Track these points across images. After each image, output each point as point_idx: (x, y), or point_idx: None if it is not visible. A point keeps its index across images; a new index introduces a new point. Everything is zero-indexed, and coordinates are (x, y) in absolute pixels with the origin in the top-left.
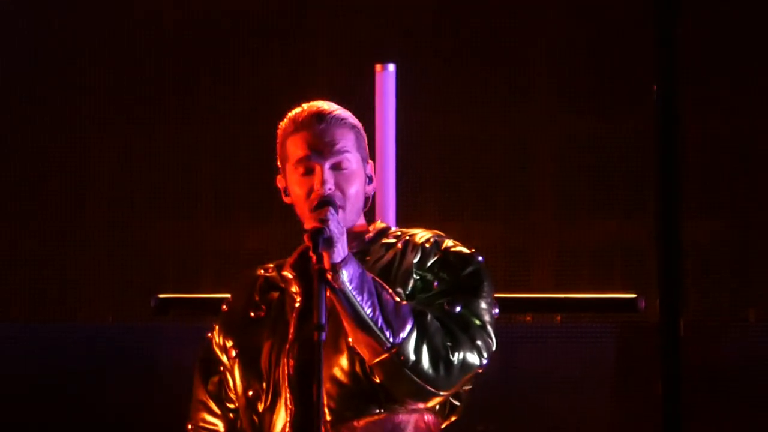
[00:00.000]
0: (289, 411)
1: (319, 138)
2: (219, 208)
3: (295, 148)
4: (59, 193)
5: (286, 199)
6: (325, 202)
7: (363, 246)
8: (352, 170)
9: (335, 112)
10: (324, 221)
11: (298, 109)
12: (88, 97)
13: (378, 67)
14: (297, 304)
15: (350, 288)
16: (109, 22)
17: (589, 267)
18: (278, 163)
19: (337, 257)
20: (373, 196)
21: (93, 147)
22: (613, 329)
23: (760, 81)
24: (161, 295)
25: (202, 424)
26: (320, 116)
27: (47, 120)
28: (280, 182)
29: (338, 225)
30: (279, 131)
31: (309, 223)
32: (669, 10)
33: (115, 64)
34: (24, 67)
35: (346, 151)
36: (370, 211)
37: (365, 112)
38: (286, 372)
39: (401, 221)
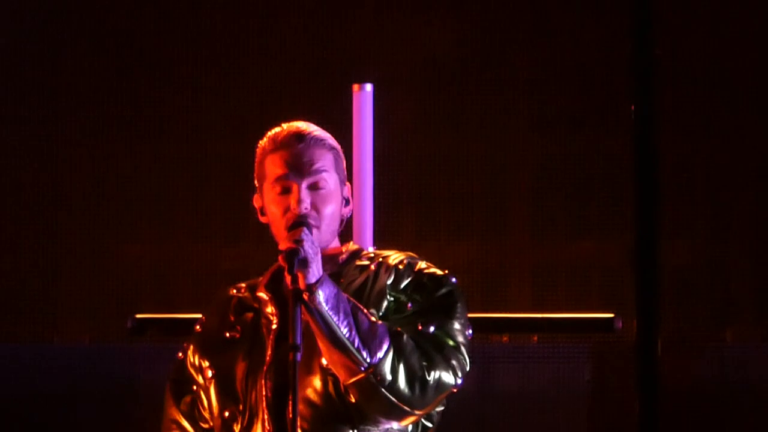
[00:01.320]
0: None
1: (298, 157)
2: (195, 228)
3: (273, 166)
4: (35, 213)
5: (262, 219)
6: (299, 223)
7: (336, 268)
8: (329, 191)
9: (315, 133)
10: (298, 242)
11: (277, 129)
12: (62, 117)
13: (355, 87)
14: (274, 326)
15: (326, 308)
16: (82, 38)
17: (566, 287)
18: (255, 182)
19: (312, 278)
20: (350, 217)
21: (67, 167)
22: (590, 349)
23: (738, 101)
24: (138, 316)
25: None
26: (300, 136)
27: (22, 141)
28: (256, 201)
29: (313, 245)
30: (258, 150)
31: (284, 244)
32: (647, 31)
33: (89, 83)
34: None
35: (324, 171)
36: (346, 230)
37: (342, 132)
38: (263, 393)
39: (378, 240)
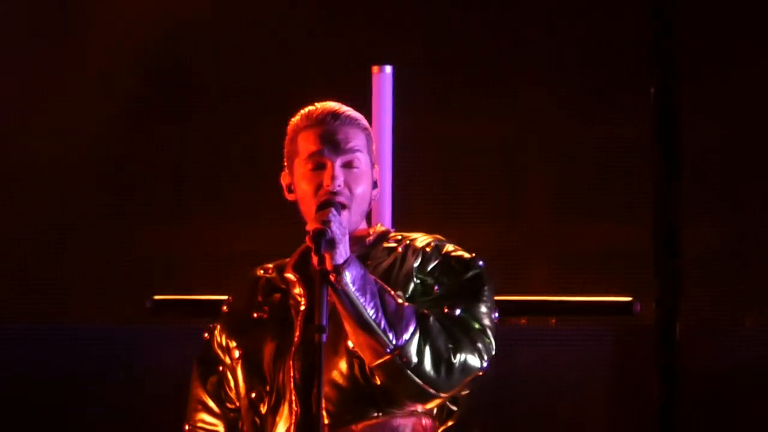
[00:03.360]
0: (294, 413)
1: (333, 135)
2: (212, 209)
3: (306, 143)
4: (52, 193)
5: (290, 197)
6: (327, 203)
7: (364, 250)
8: (362, 171)
9: (349, 112)
10: (326, 222)
11: (311, 107)
12: (79, 97)
13: (375, 68)
14: (302, 308)
15: (353, 289)
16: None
17: (585, 270)
18: (284, 160)
19: (340, 258)
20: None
21: (85, 148)
22: (608, 332)
23: (760, 85)
24: (157, 297)
25: (200, 424)
26: (335, 114)
27: (37, 120)
28: (284, 179)
29: (340, 226)
30: (289, 127)
31: (311, 225)
32: (667, 12)
33: (101, 63)
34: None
35: (358, 151)
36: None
37: (362, 114)
38: (291, 375)
39: (397, 224)
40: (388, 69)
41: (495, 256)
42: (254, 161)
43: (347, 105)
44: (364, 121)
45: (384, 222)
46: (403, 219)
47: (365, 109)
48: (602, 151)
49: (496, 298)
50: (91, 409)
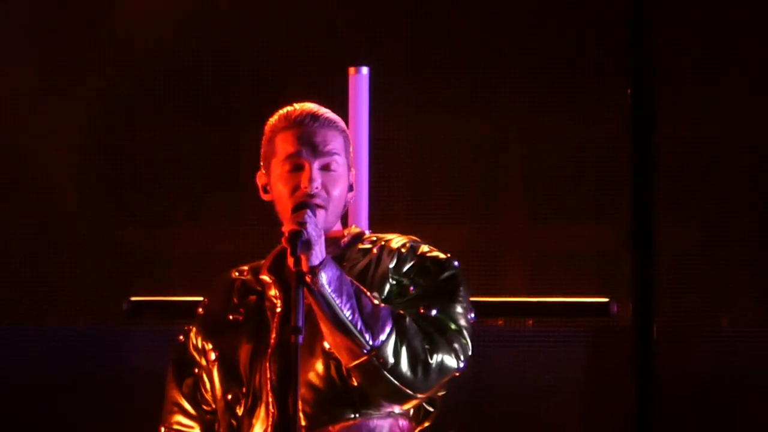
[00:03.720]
0: (271, 415)
1: (312, 136)
2: (190, 210)
3: (284, 144)
4: (30, 195)
5: (265, 197)
6: (302, 205)
7: (339, 251)
8: (339, 173)
9: (328, 114)
10: (302, 224)
11: (289, 107)
12: (60, 99)
13: (351, 70)
14: (278, 309)
15: (329, 291)
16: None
17: (561, 271)
18: (261, 161)
19: (315, 260)
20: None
21: (65, 149)
22: (585, 333)
23: (735, 86)
24: (134, 298)
25: (176, 426)
26: (314, 116)
27: (20, 123)
28: (260, 179)
29: (316, 228)
30: (267, 127)
31: (287, 226)
32: (644, 14)
33: (84, 65)
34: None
35: (336, 154)
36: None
37: (338, 115)
38: (268, 376)
39: (373, 224)
40: (365, 70)
41: (472, 258)
42: (234, 163)
43: (324, 106)
44: (342, 124)
45: (361, 223)
46: (380, 220)
47: (342, 110)
48: (578, 152)
49: (474, 299)
50: (70, 409)
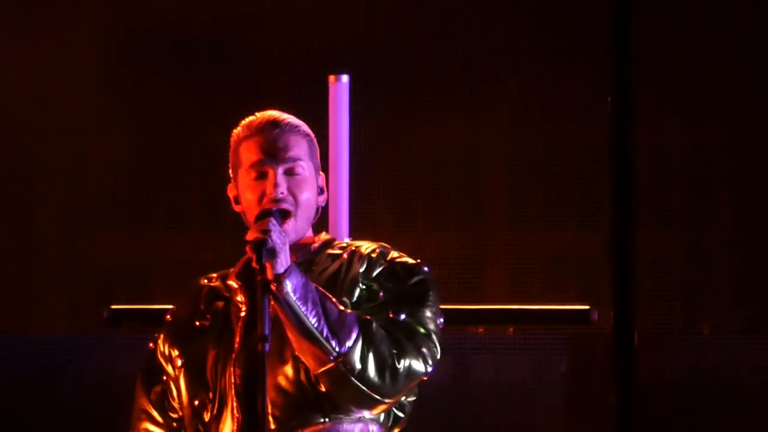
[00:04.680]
0: (236, 420)
1: (273, 143)
2: (172, 218)
3: (248, 152)
4: (11, 203)
5: (236, 208)
6: (266, 213)
7: (309, 256)
8: (305, 177)
9: (289, 120)
10: (266, 232)
11: (251, 117)
12: (40, 107)
13: (331, 78)
14: (242, 314)
15: (294, 298)
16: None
17: (542, 278)
18: (230, 172)
19: (280, 268)
20: (326, 207)
21: (45, 157)
22: (566, 341)
23: (716, 92)
24: (114, 306)
25: None
26: (275, 122)
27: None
28: (230, 191)
29: (280, 235)
30: (232, 138)
31: (251, 234)
32: (625, 21)
33: (67, 72)
34: None
35: (300, 159)
36: (323, 221)
37: (319, 123)
38: (232, 381)
39: (354, 232)
40: (345, 78)
41: (453, 265)
42: (215, 171)
43: (304, 114)
44: (305, 128)
45: (341, 231)
46: (361, 228)
47: (322, 118)
48: (559, 159)
49: (455, 306)
50: (51, 417)
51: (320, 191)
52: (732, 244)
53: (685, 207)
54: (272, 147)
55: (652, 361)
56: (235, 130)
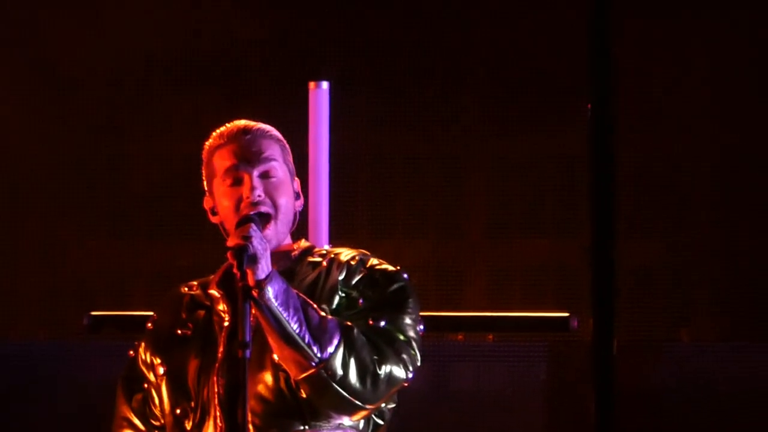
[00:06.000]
0: (219, 429)
1: (247, 148)
2: (151, 226)
3: (222, 160)
4: None
5: (214, 219)
6: (247, 219)
7: (289, 264)
8: (280, 179)
9: (260, 126)
10: (247, 238)
11: (221, 128)
12: (19, 114)
13: (311, 84)
14: (226, 323)
15: (276, 304)
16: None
17: (521, 286)
18: (204, 184)
19: (261, 274)
20: (306, 214)
21: (25, 164)
22: (546, 348)
23: (696, 101)
24: (94, 313)
25: None
26: (246, 129)
27: None
28: (207, 203)
29: (261, 241)
30: (204, 152)
31: (232, 240)
32: (604, 29)
33: (46, 78)
34: None
35: (274, 160)
36: (302, 228)
37: (298, 129)
38: (215, 390)
39: (334, 238)
40: (325, 85)
41: (433, 272)
42: (194, 178)
43: (284, 120)
44: (276, 133)
45: (321, 237)
46: (340, 234)
47: (302, 124)
48: (538, 166)
49: (434, 313)
50: (30, 423)
51: (297, 196)
52: (711, 253)
53: (664, 214)
54: (246, 151)
55: (631, 368)
56: (206, 142)
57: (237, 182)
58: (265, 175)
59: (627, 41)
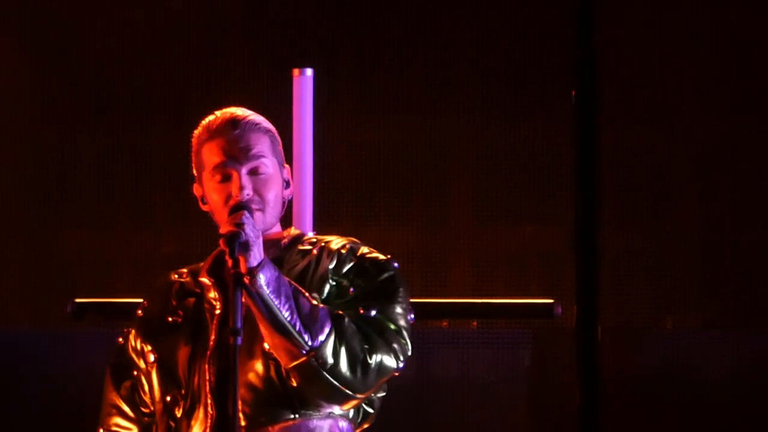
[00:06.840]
0: (210, 417)
1: (234, 144)
2: (136, 212)
3: (210, 155)
4: None
5: (204, 207)
6: (239, 207)
7: (279, 253)
8: (269, 175)
9: (249, 118)
10: (240, 225)
11: (211, 117)
12: (2, 104)
13: (295, 71)
14: (217, 311)
15: (267, 292)
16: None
17: (505, 272)
18: (194, 172)
19: (254, 261)
20: (290, 201)
21: (8, 149)
22: (530, 335)
23: (679, 90)
24: (78, 300)
25: (114, 428)
26: (234, 122)
27: None
28: (196, 191)
29: (254, 229)
30: (193, 140)
31: (225, 228)
32: (588, 16)
33: (27, 72)
34: None
35: (262, 156)
36: (286, 215)
37: (282, 116)
38: (206, 378)
39: (317, 226)
40: (309, 72)
41: (417, 259)
42: (177, 165)
43: (268, 108)
44: (266, 124)
45: (305, 225)
46: (324, 222)
47: (286, 111)
48: (522, 154)
49: (418, 300)
50: (14, 410)
51: (286, 184)
52: (695, 239)
53: (648, 202)
54: (234, 148)
55: (615, 354)
56: (195, 131)
57: (225, 179)
58: (253, 172)
59: (611, 29)
